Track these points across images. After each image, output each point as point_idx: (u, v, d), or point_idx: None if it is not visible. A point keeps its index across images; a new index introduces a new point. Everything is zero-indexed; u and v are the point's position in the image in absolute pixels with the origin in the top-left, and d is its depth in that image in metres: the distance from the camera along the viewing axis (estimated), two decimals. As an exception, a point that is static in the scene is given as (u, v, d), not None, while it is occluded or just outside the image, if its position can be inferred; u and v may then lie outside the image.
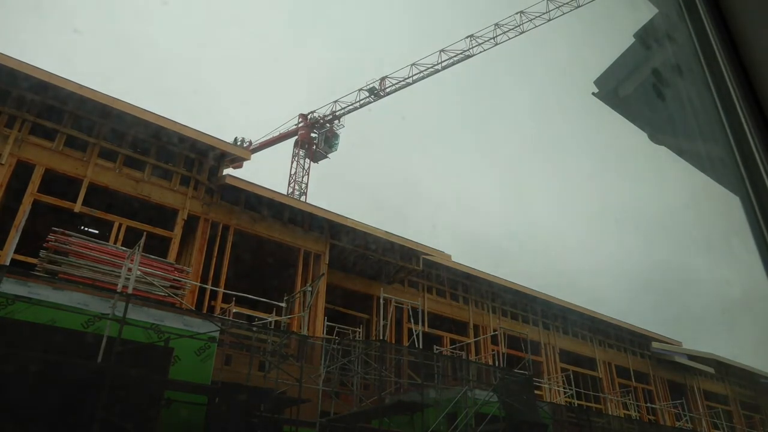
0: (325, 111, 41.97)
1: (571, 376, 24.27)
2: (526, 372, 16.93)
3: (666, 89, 1.91)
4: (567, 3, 35.31)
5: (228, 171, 17.29)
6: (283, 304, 14.76)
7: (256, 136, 44.00)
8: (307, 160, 42.60)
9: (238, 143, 39.78)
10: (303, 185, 41.80)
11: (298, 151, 42.76)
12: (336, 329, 17.26)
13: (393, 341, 19.42)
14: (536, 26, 36.59)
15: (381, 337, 17.34)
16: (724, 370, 32.09)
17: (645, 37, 1.90)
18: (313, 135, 41.86)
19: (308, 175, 42.19)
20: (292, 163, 42.53)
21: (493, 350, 22.91)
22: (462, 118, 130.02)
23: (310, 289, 15.48)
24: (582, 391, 25.42)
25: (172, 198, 16.05)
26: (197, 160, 16.75)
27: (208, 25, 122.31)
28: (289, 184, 41.26)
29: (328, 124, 41.93)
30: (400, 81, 40.33)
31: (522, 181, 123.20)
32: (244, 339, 14.50)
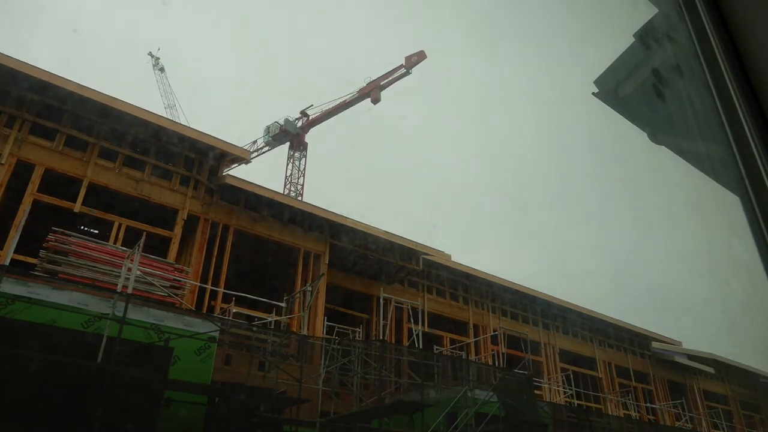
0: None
1: (571, 375, 24.26)
2: (526, 372, 16.92)
3: (666, 89, 1.91)
4: None
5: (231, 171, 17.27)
6: (283, 304, 14.76)
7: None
8: (303, 162, 42.71)
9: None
10: (299, 186, 41.90)
11: (294, 153, 42.86)
12: (336, 329, 17.24)
13: (393, 341, 19.41)
14: None
15: (381, 337, 17.33)
16: (724, 370, 32.07)
17: (645, 37, 1.90)
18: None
19: (304, 176, 42.29)
20: (287, 164, 42.62)
21: (493, 350, 22.90)
22: (462, 118, 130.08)
23: (310, 288, 15.48)
24: (582, 390, 25.40)
25: (172, 198, 16.04)
26: (197, 159, 16.74)
27: (208, 25, 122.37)
28: (285, 186, 41.36)
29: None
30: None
31: (522, 180, 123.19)
32: (244, 339, 14.50)
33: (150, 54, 47.97)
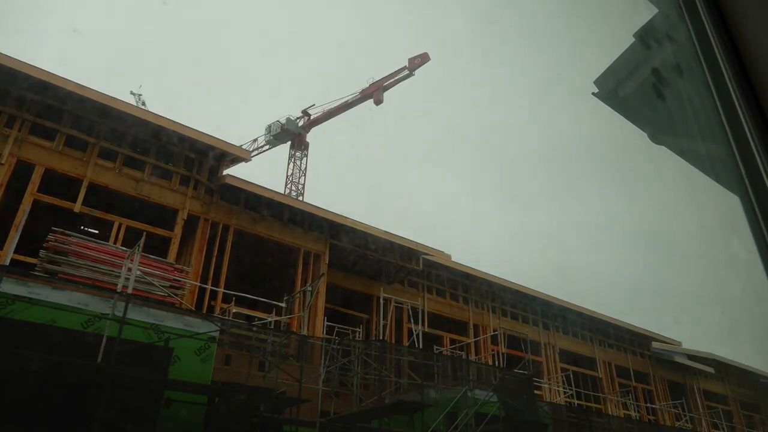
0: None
1: (571, 376, 24.26)
2: (526, 372, 16.92)
3: (666, 89, 1.91)
4: None
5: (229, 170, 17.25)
6: (283, 304, 14.76)
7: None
8: (304, 161, 42.71)
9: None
10: (300, 186, 41.92)
11: (295, 152, 42.88)
12: (336, 329, 17.24)
13: (393, 341, 19.42)
14: None
15: (381, 337, 17.34)
16: (724, 370, 32.07)
17: (645, 37, 1.90)
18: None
19: (305, 175, 42.29)
20: (288, 164, 42.62)
21: (493, 350, 22.90)
22: (462, 118, 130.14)
23: (310, 288, 15.48)
24: (582, 391, 25.40)
25: (172, 198, 16.04)
26: (197, 159, 16.74)
27: (208, 25, 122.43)
28: (285, 185, 41.37)
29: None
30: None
31: (522, 181, 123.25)
32: (244, 339, 14.50)
33: (132, 93, 47.21)
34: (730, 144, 1.26)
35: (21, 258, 13.03)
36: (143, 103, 46.86)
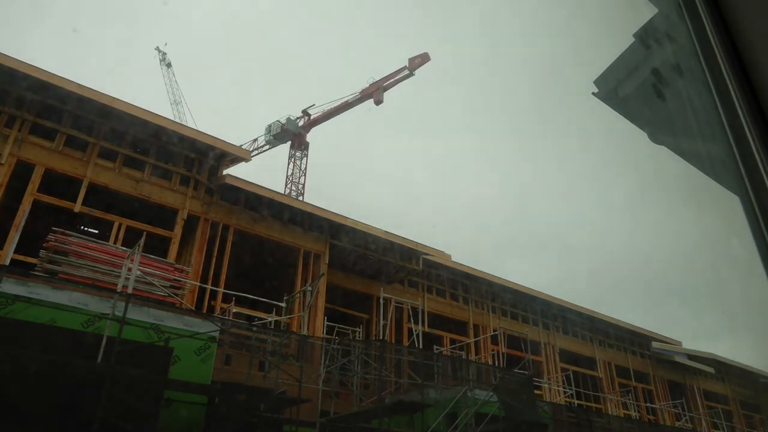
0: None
1: (571, 375, 24.26)
2: (526, 372, 16.93)
3: (666, 89, 1.91)
4: None
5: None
6: (283, 304, 14.77)
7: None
8: (304, 161, 42.73)
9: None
10: (300, 186, 41.94)
11: (295, 152, 42.90)
12: (336, 329, 17.25)
13: (393, 341, 19.41)
14: None
15: (381, 337, 17.33)
16: (724, 370, 32.08)
17: (645, 37, 1.90)
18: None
19: (305, 175, 42.31)
20: (288, 164, 42.65)
21: (493, 350, 22.90)
22: (462, 118, 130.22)
23: (309, 288, 15.49)
24: (582, 390, 25.41)
25: (172, 198, 16.04)
26: (197, 159, 16.74)
27: (208, 25, 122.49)
28: (286, 185, 41.39)
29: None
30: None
31: (522, 181, 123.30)
32: (244, 339, 14.50)
33: (157, 49, 47.71)
34: (730, 144, 1.26)
35: (21, 258, 13.03)
36: (168, 64, 46.77)
